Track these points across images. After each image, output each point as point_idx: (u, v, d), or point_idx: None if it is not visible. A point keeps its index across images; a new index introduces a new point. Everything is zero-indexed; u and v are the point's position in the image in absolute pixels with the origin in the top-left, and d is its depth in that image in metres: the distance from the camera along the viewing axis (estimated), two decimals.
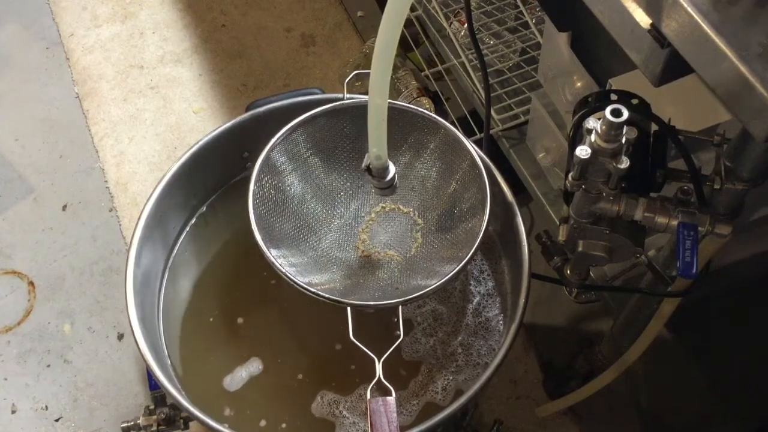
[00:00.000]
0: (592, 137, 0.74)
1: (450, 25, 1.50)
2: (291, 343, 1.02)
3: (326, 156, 1.00)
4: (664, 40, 0.68)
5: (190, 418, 0.90)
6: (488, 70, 1.20)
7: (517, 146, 1.39)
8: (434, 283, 0.87)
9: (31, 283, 1.56)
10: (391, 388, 0.84)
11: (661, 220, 0.81)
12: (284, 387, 0.99)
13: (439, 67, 1.56)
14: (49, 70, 1.87)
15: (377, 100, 0.80)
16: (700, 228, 0.81)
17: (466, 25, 1.19)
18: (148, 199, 0.99)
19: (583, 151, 0.75)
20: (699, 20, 0.62)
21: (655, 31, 0.68)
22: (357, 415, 0.95)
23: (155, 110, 1.78)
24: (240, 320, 1.02)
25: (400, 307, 0.89)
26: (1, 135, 1.77)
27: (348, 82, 1.01)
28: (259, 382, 0.99)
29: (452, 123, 1.33)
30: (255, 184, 0.92)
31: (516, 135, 1.40)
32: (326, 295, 0.87)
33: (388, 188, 0.91)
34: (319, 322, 1.01)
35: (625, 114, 0.72)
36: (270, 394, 0.98)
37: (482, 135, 1.32)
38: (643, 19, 0.69)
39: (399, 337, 0.87)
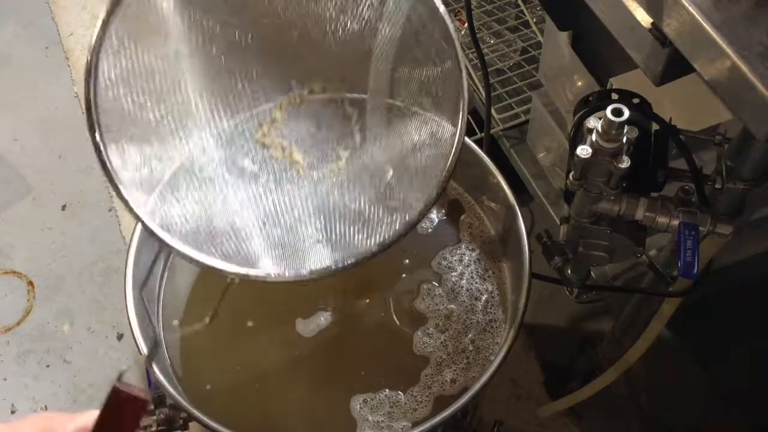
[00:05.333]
0: (593, 137, 0.74)
1: None
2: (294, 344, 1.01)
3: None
4: (665, 40, 0.67)
5: (190, 418, 0.90)
6: (489, 70, 1.20)
7: (517, 146, 1.38)
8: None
9: (31, 283, 1.56)
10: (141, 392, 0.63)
11: (662, 219, 0.81)
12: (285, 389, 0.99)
13: None
14: (48, 70, 1.87)
15: None
16: (701, 228, 0.80)
17: (466, 24, 1.19)
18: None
19: (583, 151, 0.75)
20: (700, 19, 0.62)
21: (656, 30, 0.68)
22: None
23: None
24: (249, 323, 1.02)
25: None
26: (0, 135, 1.77)
27: None
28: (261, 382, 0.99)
29: None
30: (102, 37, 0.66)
31: (517, 134, 1.40)
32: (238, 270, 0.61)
33: None
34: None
35: (626, 113, 0.72)
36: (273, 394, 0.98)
37: (483, 134, 1.31)
38: (644, 19, 0.69)
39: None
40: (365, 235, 0.71)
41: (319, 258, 0.71)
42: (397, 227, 0.68)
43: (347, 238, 0.72)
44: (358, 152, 0.77)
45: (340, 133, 0.77)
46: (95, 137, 0.64)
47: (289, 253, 0.70)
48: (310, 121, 0.77)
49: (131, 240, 0.96)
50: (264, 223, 0.72)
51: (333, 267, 0.67)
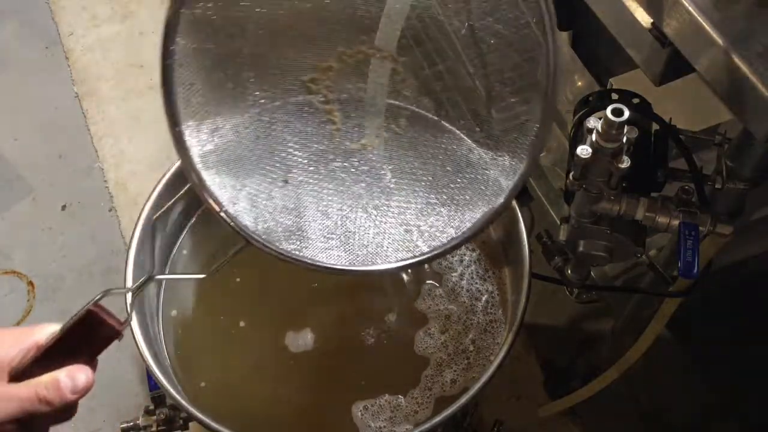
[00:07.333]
0: (593, 137, 0.74)
1: None
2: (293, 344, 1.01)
3: None
4: (665, 40, 0.67)
5: (190, 418, 0.90)
6: None
7: None
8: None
9: (31, 283, 1.56)
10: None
11: (662, 219, 0.81)
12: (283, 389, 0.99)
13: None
14: (48, 70, 1.87)
15: None
16: (701, 228, 0.80)
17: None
18: (147, 199, 0.99)
19: (584, 151, 0.75)
20: (700, 19, 0.62)
21: (656, 30, 0.68)
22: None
23: (155, 110, 1.77)
24: (242, 323, 1.02)
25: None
26: (0, 135, 1.77)
27: None
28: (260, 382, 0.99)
29: None
30: None
31: None
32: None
33: None
34: (329, 320, 1.01)
35: (626, 113, 0.72)
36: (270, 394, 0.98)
37: None
38: (644, 19, 0.69)
39: None
40: (358, 237, 0.68)
41: (320, 240, 0.67)
42: (398, 253, 0.63)
43: (352, 232, 0.68)
44: (398, 138, 0.71)
45: (386, 111, 0.71)
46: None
47: (294, 219, 0.65)
48: (363, 88, 0.69)
49: (131, 240, 0.96)
50: (286, 181, 0.68)
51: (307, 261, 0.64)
